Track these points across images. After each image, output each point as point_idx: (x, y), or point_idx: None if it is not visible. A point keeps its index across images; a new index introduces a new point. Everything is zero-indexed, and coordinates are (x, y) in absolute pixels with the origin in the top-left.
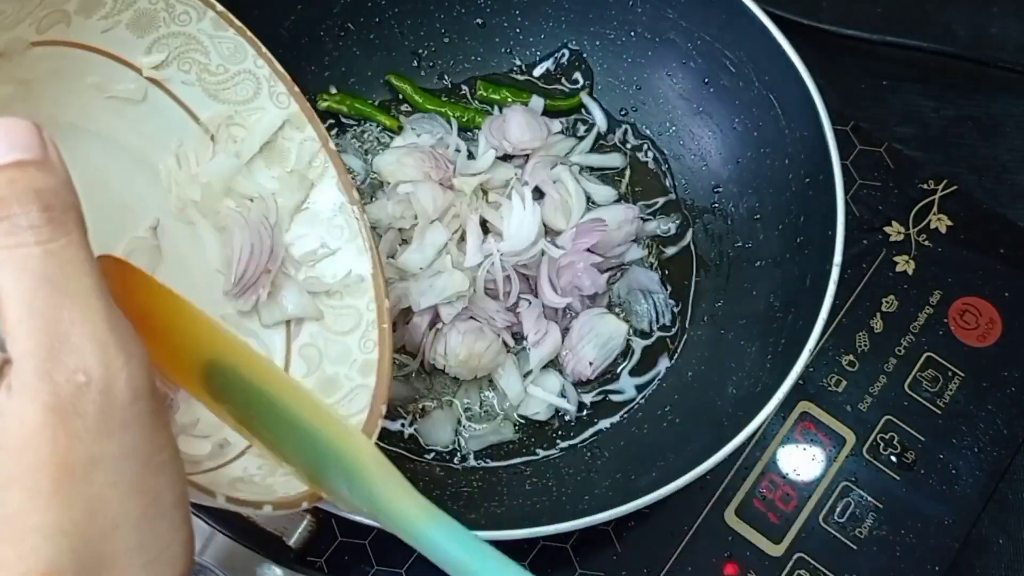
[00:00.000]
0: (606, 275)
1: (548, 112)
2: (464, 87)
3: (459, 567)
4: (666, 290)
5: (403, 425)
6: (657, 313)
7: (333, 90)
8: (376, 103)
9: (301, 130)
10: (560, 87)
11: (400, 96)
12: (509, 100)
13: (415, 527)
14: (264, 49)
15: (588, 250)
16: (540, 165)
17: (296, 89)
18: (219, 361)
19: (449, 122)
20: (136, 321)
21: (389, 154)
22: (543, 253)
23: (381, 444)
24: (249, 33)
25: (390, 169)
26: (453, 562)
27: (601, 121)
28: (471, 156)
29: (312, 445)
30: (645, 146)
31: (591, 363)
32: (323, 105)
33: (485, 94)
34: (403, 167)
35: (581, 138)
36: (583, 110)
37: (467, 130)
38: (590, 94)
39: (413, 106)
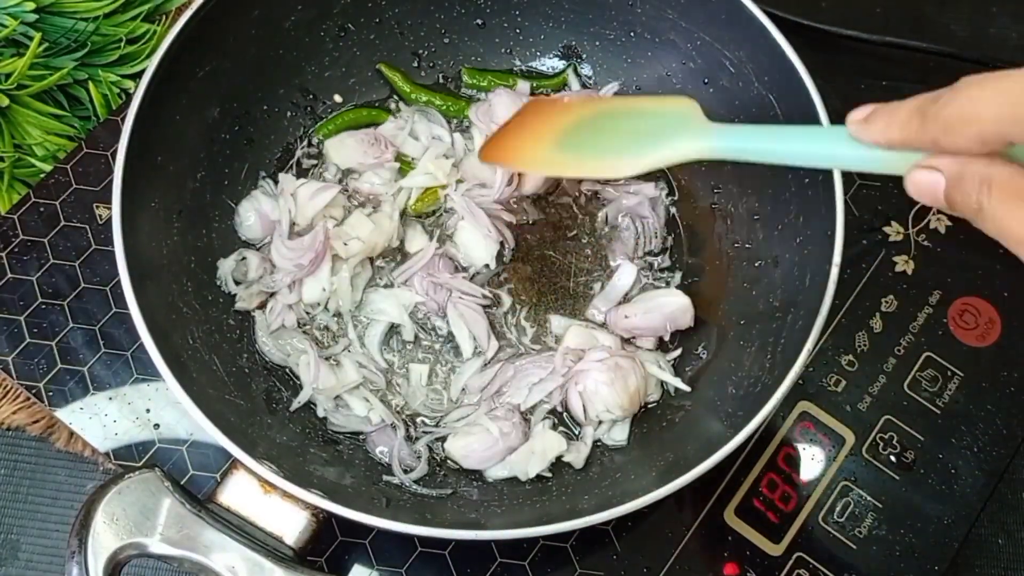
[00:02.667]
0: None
1: (535, 93)
2: (459, 84)
3: (757, 154)
4: (657, 216)
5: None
6: (644, 238)
7: (338, 98)
8: (375, 103)
9: None
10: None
11: (398, 95)
12: (494, 85)
13: (712, 143)
14: None
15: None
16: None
17: None
18: (574, 122)
19: (445, 117)
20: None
21: (339, 136)
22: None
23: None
24: None
25: (335, 150)
26: (751, 152)
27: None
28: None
29: (646, 121)
30: None
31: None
32: (319, 137)
33: (471, 81)
34: (344, 147)
35: None
36: (566, 88)
37: (456, 119)
38: (575, 71)
39: (402, 97)
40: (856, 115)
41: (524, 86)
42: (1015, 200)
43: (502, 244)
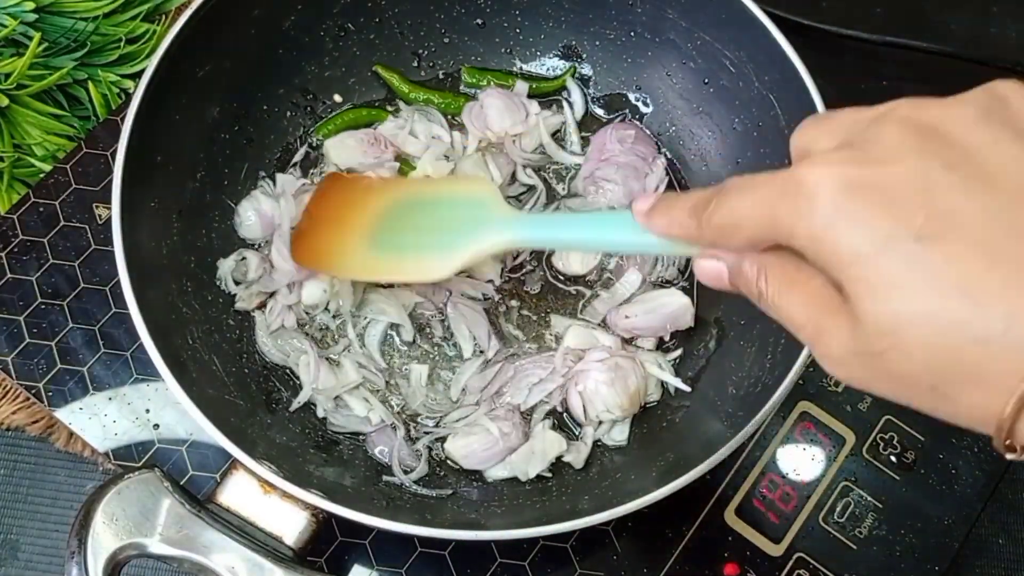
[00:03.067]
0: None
1: (533, 95)
2: (460, 83)
3: (557, 243)
4: None
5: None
6: (663, 264)
7: (338, 98)
8: (375, 103)
9: None
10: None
11: (397, 95)
12: (493, 84)
13: (514, 234)
14: None
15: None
16: None
17: None
18: (385, 207)
19: (442, 113)
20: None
21: (338, 136)
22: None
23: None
24: None
25: (335, 150)
26: (551, 241)
27: (579, 102)
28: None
29: (451, 211)
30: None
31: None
32: (319, 137)
33: (471, 80)
34: (344, 148)
35: (582, 120)
36: (565, 91)
37: (457, 116)
38: (572, 75)
39: (400, 96)
40: (640, 206)
41: (522, 87)
42: (787, 287)
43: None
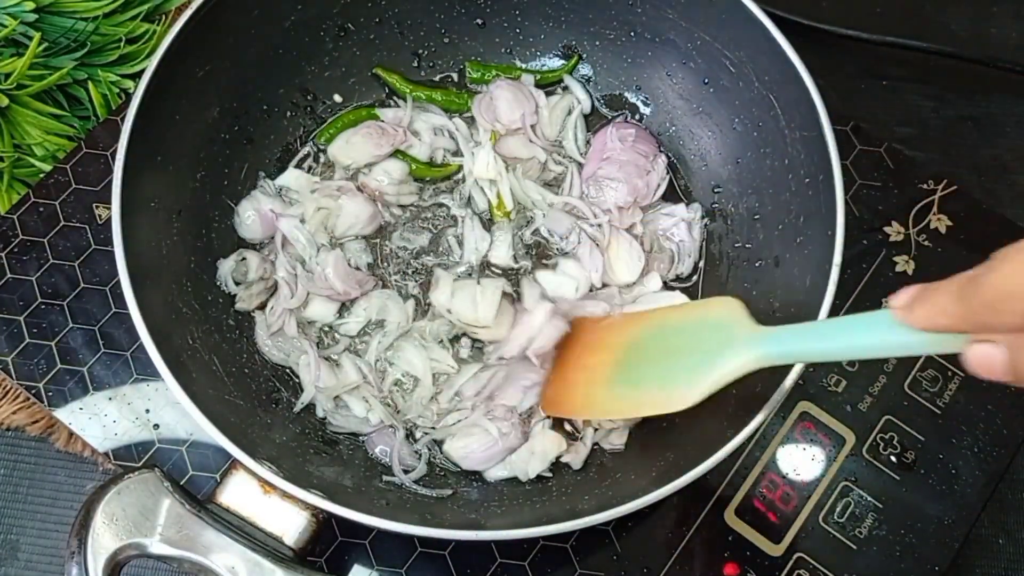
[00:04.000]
0: None
1: (539, 85)
2: (462, 81)
3: (811, 356)
4: (693, 239)
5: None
6: (679, 259)
7: (338, 98)
8: (373, 102)
9: None
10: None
11: (398, 94)
12: (500, 77)
13: (764, 351)
14: None
15: None
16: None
17: None
18: (623, 350)
19: (444, 110)
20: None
21: (339, 139)
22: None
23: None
24: None
25: (342, 152)
26: (804, 354)
27: (585, 99)
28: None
29: (693, 337)
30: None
31: None
32: (322, 143)
33: (476, 75)
34: (352, 147)
35: (587, 116)
36: (561, 81)
37: (459, 113)
38: (572, 70)
39: (401, 96)
40: (898, 301)
41: (528, 78)
42: None
43: None
